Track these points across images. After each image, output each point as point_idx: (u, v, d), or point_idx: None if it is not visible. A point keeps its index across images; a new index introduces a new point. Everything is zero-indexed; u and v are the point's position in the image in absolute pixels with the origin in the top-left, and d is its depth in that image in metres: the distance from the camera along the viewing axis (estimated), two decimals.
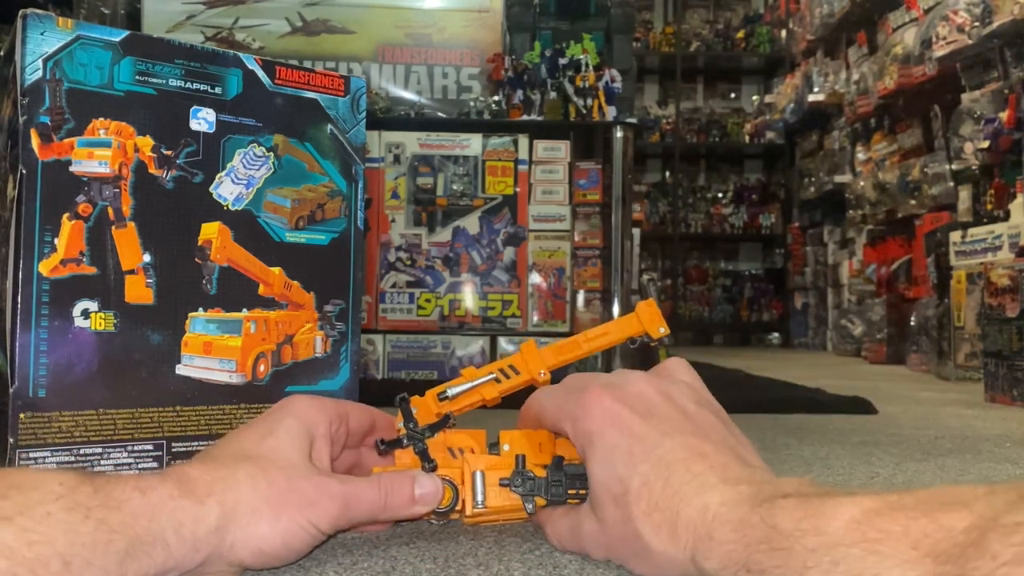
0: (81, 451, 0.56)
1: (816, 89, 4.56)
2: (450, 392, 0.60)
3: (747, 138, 5.48)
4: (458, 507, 0.56)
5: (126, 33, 0.60)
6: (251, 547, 0.44)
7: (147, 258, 0.60)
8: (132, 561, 0.39)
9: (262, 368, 0.64)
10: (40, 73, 0.56)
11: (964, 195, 3.06)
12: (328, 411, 0.53)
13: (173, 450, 0.60)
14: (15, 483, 0.38)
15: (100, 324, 0.58)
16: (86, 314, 0.57)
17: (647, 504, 0.43)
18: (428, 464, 0.55)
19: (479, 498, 0.55)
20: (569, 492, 0.54)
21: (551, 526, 0.53)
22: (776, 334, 5.37)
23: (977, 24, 2.87)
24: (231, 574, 0.46)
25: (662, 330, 0.65)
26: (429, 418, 0.59)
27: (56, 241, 0.56)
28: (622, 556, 0.46)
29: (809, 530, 0.36)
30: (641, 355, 2.14)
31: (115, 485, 0.40)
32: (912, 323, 2.87)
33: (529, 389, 0.61)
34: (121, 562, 0.38)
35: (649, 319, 0.64)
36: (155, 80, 0.60)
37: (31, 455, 0.55)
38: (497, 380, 0.61)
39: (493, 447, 0.59)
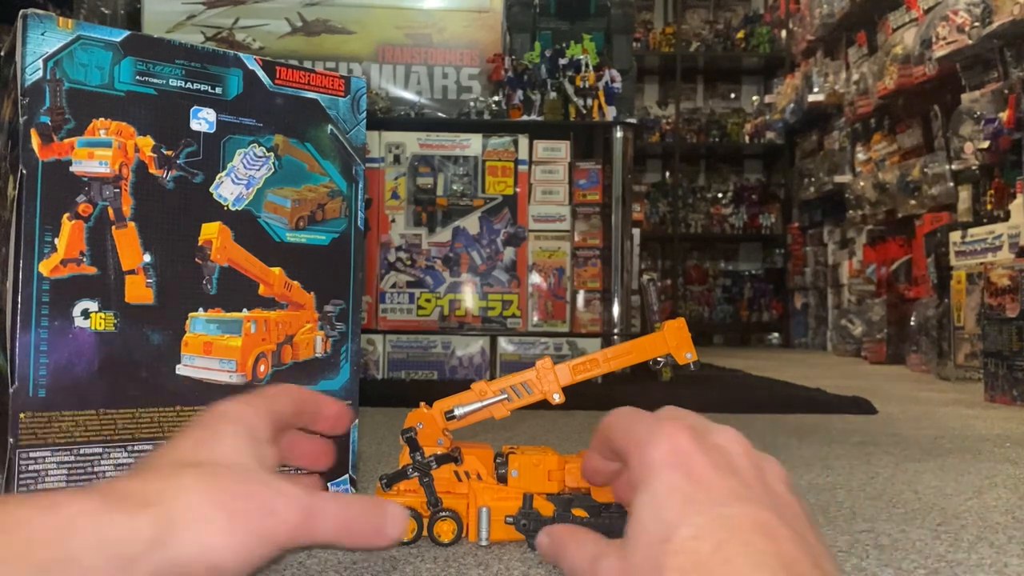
0: (81, 451, 0.56)
1: (816, 89, 4.56)
2: (458, 412, 0.58)
3: (747, 138, 5.48)
4: (463, 535, 0.56)
5: (126, 33, 0.60)
6: (205, 561, 0.38)
7: (147, 258, 0.60)
8: None
9: (262, 368, 0.64)
10: (40, 73, 0.56)
11: (964, 195, 3.06)
12: (261, 411, 0.47)
13: None
14: None
15: (100, 324, 0.58)
16: (86, 314, 0.57)
17: (687, 561, 0.35)
18: (432, 500, 0.55)
19: (483, 534, 0.56)
20: None
21: (575, 546, 0.44)
22: (776, 334, 5.37)
23: (977, 24, 2.87)
24: None
25: (689, 355, 0.61)
26: (435, 433, 0.58)
27: (56, 241, 0.56)
28: None
29: None
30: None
31: (16, 505, 0.35)
32: (912, 323, 2.87)
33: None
34: None
35: (677, 341, 0.61)
36: (155, 80, 0.60)
37: (31, 455, 0.55)
38: (508, 399, 0.60)
39: (501, 466, 0.58)
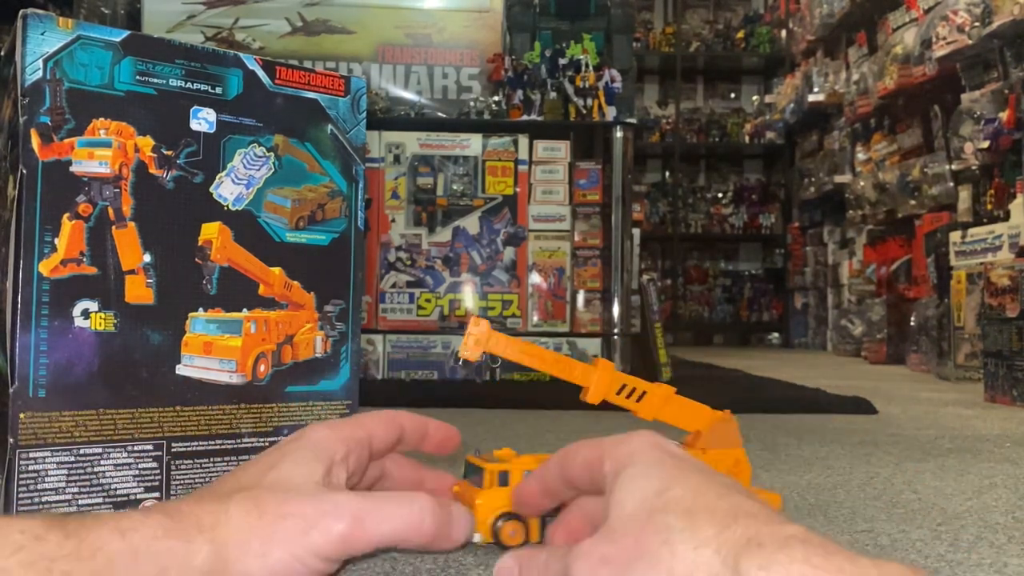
0: (81, 451, 0.56)
1: (816, 89, 4.56)
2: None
3: (747, 138, 5.48)
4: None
5: (126, 33, 0.60)
6: (280, 569, 0.40)
7: (147, 258, 0.60)
8: None
9: (262, 368, 0.64)
10: (40, 73, 0.56)
11: (964, 195, 3.06)
12: (347, 440, 0.47)
13: (173, 450, 0.60)
14: None
15: (100, 324, 0.58)
16: (86, 314, 0.57)
17: (692, 503, 0.37)
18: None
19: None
20: None
21: (585, 559, 0.41)
22: (776, 334, 5.37)
23: (977, 24, 2.87)
24: None
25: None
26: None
27: (56, 241, 0.56)
28: (623, 566, 0.38)
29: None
30: (641, 350, 2.14)
31: (90, 529, 0.37)
32: (912, 323, 2.87)
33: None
34: None
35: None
36: (155, 80, 0.60)
37: (31, 455, 0.55)
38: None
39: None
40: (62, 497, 0.55)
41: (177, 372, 0.61)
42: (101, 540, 0.36)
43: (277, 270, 0.65)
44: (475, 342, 0.57)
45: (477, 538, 0.54)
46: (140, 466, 0.59)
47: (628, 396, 0.59)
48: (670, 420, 0.59)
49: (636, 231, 2.35)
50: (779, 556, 0.32)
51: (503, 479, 0.54)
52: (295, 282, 0.66)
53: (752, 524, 0.35)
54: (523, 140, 2.11)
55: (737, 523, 0.35)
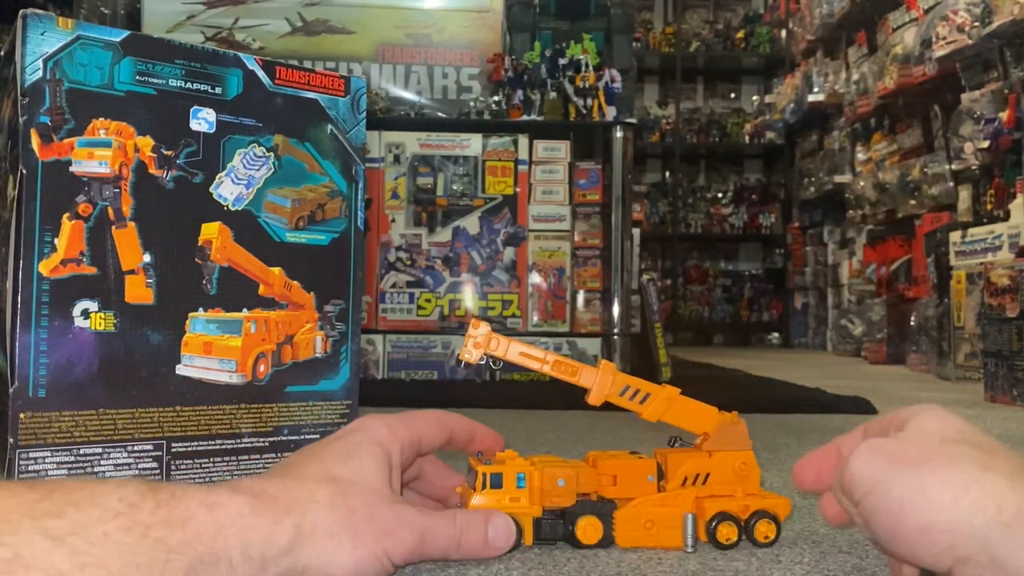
0: (81, 451, 0.56)
1: (816, 89, 4.55)
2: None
3: (747, 138, 5.48)
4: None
5: (126, 33, 0.60)
6: (324, 573, 0.42)
7: (147, 258, 0.60)
8: None
9: (262, 368, 0.64)
10: (40, 73, 0.56)
11: (964, 195, 3.06)
12: (402, 439, 0.51)
13: (173, 450, 0.60)
14: (73, 499, 0.36)
15: (100, 324, 0.58)
16: (86, 314, 0.57)
17: (989, 445, 0.40)
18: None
19: None
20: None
21: (868, 450, 0.42)
22: (776, 334, 5.37)
23: (977, 24, 2.87)
24: None
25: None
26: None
27: (56, 241, 0.56)
28: (898, 464, 0.39)
29: None
30: (640, 350, 2.14)
31: (180, 500, 0.39)
32: (912, 323, 2.87)
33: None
34: None
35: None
36: (155, 80, 0.60)
37: (31, 455, 0.55)
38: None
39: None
40: None
41: (177, 372, 0.61)
42: (190, 511, 0.39)
43: (277, 270, 0.65)
44: (475, 345, 0.56)
45: None
46: (140, 466, 0.59)
47: (632, 398, 0.58)
48: (675, 422, 0.58)
49: (636, 231, 2.35)
50: None
51: (496, 481, 0.54)
52: (295, 282, 0.66)
53: None
54: (523, 140, 2.11)
55: None
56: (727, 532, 0.55)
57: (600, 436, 1.14)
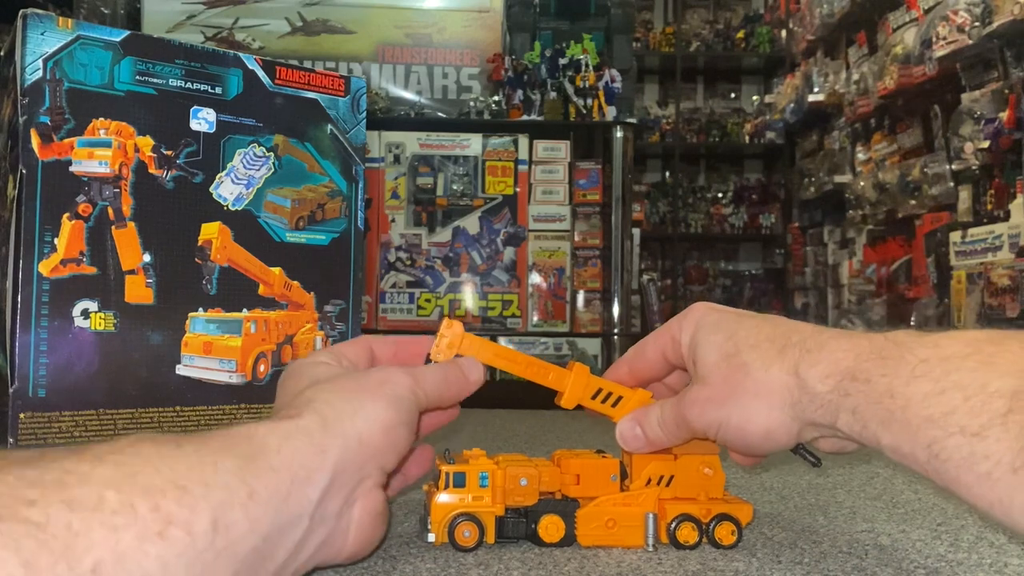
0: None
1: (816, 89, 4.55)
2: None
3: (747, 138, 5.48)
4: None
5: (126, 33, 0.60)
6: (376, 426, 0.43)
7: (147, 258, 0.60)
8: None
9: (262, 368, 0.64)
10: (40, 73, 0.56)
11: (964, 195, 3.06)
12: (331, 354, 0.51)
13: None
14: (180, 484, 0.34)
15: (100, 324, 0.58)
16: (86, 314, 0.57)
17: (755, 339, 0.49)
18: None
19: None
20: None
21: (693, 403, 0.51)
22: None
23: (977, 24, 2.87)
24: (378, 478, 0.44)
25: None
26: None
27: (56, 241, 0.56)
28: (723, 402, 0.49)
29: (926, 343, 0.41)
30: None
31: (203, 434, 0.38)
32: (912, 323, 2.87)
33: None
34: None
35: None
36: (155, 80, 0.60)
37: None
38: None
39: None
40: None
41: (177, 372, 0.61)
42: (219, 433, 0.39)
43: (277, 270, 0.65)
44: (448, 345, 0.56)
45: (431, 538, 0.54)
46: None
47: (604, 401, 0.58)
48: None
49: (636, 231, 2.35)
50: (822, 353, 0.45)
51: (459, 480, 0.55)
52: (295, 282, 0.66)
53: (801, 338, 0.47)
54: (523, 140, 2.11)
55: (790, 342, 0.47)
56: (687, 534, 0.55)
57: (600, 437, 1.14)
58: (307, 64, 2.30)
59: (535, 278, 2.11)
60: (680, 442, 0.55)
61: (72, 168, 0.57)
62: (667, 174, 5.66)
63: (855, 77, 4.06)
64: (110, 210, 0.58)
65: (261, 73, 0.65)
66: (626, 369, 0.59)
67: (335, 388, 0.45)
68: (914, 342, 0.42)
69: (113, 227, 0.58)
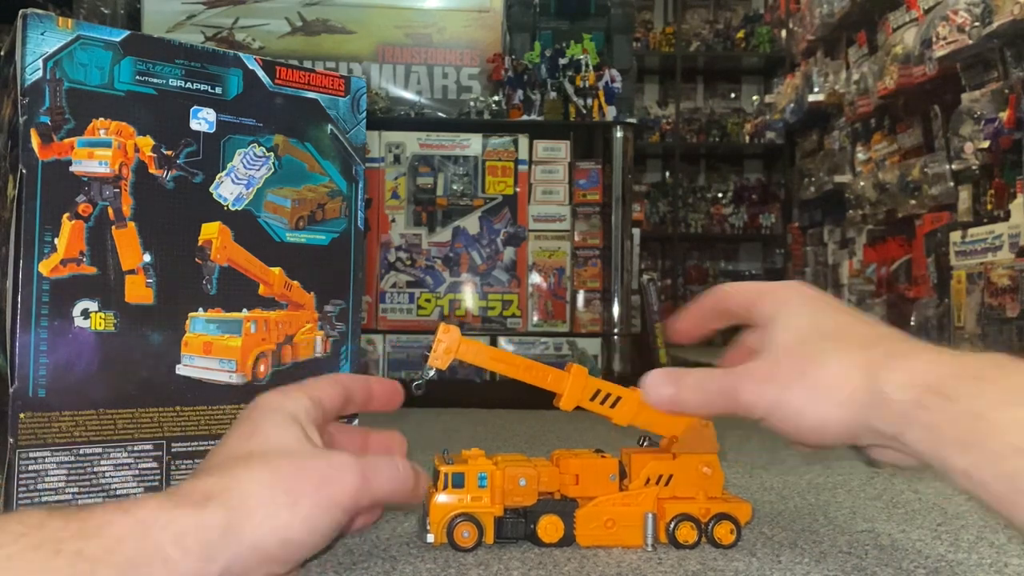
0: (81, 451, 0.56)
1: (816, 89, 4.55)
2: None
3: (747, 138, 5.48)
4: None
5: (126, 33, 0.60)
6: (278, 539, 0.40)
7: (147, 258, 0.60)
8: None
9: (262, 368, 0.64)
10: (40, 73, 0.56)
11: (964, 195, 3.06)
12: (301, 400, 0.49)
13: (173, 450, 0.60)
14: None
15: (100, 324, 0.58)
16: (86, 314, 0.57)
17: (838, 332, 0.48)
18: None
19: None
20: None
21: (750, 378, 0.51)
22: None
23: (977, 24, 2.87)
24: None
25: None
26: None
27: (56, 241, 0.56)
28: (787, 383, 0.48)
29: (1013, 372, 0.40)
30: (641, 350, 2.14)
31: (92, 512, 0.36)
32: (912, 323, 2.87)
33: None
34: None
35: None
36: (155, 80, 0.60)
37: (31, 455, 0.55)
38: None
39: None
40: (62, 497, 0.55)
41: (177, 372, 0.61)
42: (106, 518, 0.36)
43: (277, 270, 0.65)
44: (445, 350, 0.56)
45: (430, 539, 0.54)
46: (140, 466, 0.59)
47: (602, 402, 0.58)
48: (646, 426, 0.58)
49: (636, 231, 2.35)
50: (906, 361, 0.44)
51: (457, 481, 0.55)
52: (295, 282, 0.66)
53: (885, 342, 0.46)
54: (523, 140, 2.11)
55: (874, 343, 0.46)
56: (686, 533, 0.55)
57: (599, 437, 1.14)
58: (307, 64, 2.30)
59: (535, 278, 2.11)
60: (709, 411, 0.54)
61: (72, 168, 0.57)
62: (667, 174, 5.65)
63: (855, 77, 4.06)
64: (110, 210, 0.58)
65: (261, 73, 0.65)
66: (704, 309, 0.58)
67: (266, 475, 0.41)
68: (1013, 366, 0.40)
69: (113, 227, 0.58)
